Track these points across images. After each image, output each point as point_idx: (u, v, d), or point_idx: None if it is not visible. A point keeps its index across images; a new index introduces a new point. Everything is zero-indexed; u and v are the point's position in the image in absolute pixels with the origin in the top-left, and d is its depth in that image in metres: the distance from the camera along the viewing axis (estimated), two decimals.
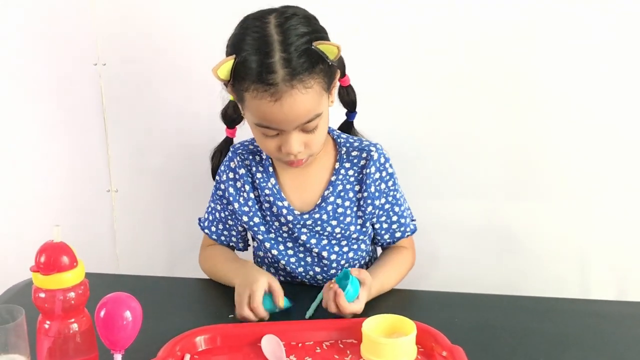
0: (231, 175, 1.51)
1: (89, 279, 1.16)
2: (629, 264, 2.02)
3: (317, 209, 1.47)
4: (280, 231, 1.50)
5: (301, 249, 1.50)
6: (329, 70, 1.33)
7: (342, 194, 1.48)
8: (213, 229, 1.57)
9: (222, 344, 1.21)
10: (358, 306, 1.31)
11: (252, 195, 1.50)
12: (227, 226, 1.56)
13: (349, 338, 1.24)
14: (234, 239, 1.58)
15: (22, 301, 1.18)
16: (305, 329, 1.25)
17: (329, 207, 1.47)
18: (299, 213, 1.47)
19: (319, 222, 1.47)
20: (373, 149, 1.48)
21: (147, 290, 1.44)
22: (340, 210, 1.47)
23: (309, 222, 1.47)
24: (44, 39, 1.98)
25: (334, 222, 1.47)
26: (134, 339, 0.93)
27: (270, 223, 1.50)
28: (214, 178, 1.60)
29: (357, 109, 1.59)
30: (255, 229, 1.51)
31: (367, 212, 1.48)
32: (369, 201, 1.47)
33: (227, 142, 1.59)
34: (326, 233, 1.48)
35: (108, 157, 2.06)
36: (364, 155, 1.48)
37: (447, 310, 1.36)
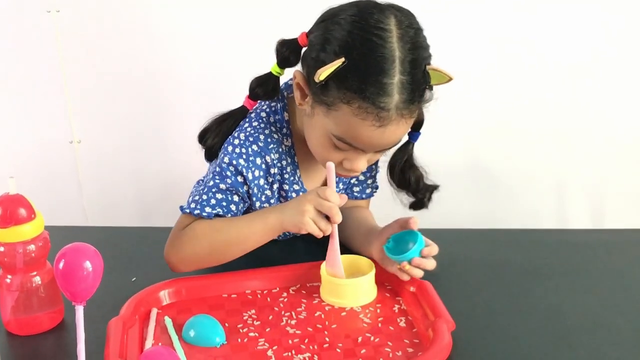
0: (258, 173, 1.29)
1: (54, 232, 1.16)
2: (605, 192, 2.04)
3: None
4: None
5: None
6: (429, 95, 1.19)
7: None
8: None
9: (187, 296, 1.21)
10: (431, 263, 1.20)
11: (276, 192, 1.33)
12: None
13: (314, 281, 1.24)
14: None
15: None
16: (269, 276, 1.25)
17: (340, 185, 1.41)
18: None
19: None
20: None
21: (114, 242, 1.44)
22: (345, 180, 1.41)
23: None
24: None
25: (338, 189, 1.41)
26: (95, 290, 0.92)
27: None
28: (209, 160, 1.36)
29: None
30: None
31: None
32: None
33: (241, 113, 1.33)
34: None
35: (68, 108, 2.04)
36: None
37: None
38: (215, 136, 1.32)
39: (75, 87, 2.02)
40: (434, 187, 1.38)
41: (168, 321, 1.13)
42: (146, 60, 2.01)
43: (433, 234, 1.30)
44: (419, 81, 1.13)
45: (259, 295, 1.22)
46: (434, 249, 1.19)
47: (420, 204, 1.39)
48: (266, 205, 1.32)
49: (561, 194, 2.09)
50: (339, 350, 1.06)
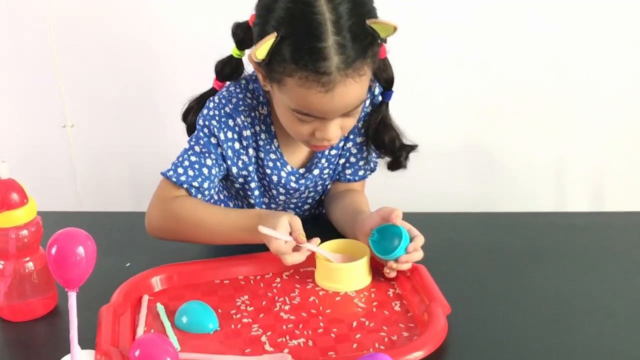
0: (231, 135, 1.33)
1: (47, 217, 1.16)
2: (605, 174, 2.04)
3: (312, 167, 1.41)
4: (277, 199, 1.44)
5: (291, 205, 1.47)
6: (377, 49, 1.20)
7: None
8: (195, 184, 1.31)
9: (179, 282, 1.21)
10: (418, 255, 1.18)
11: (253, 159, 1.37)
12: (211, 186, 1.34)
13: (307, 266, 1.24)
14: (209, 199, 1.39)
15: None
16: (261, 262, 1.25)
17: (323, 160, 1.42)
18: (300, 178, 1.40)
19: (314, 180, 1.43)
20: (378, 90, 1.39)
21: (108, 227, 1.44)
22: (333, 159, 1.43)
23: (309, 184, 1.42)
24: None
25: (326, 172, 1.44)
26: (89, 276, 0.92)
27: (267, 189, 1.42)
28: (189, 134, 1.41)
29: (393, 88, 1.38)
30: (249, 192, 1.43)
31: (345, 148, 1.43)
32: (351, 136, 1.42)
33: (212, 93, 1.40)
34: (319, 187, 1.46)
35: (61, 91, 2.03)
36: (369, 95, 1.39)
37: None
38: (195, 113, 1.38)
39: (68, 70, 2.02)
40: (411, 147, 1.39)
41: (160, 308, 1.13)
42: (141, 42, 2.01)
43: (428, 218, 1.31)
44: (359, 38, 1.14)
45: (252, 281, 1.22)
46: (419, 241, 1.18)
47: (397, 164, 1.41)
48: (244, 172, 1.36)
49: (560, 176, 2.09)
50: (333, 335, 1.06)
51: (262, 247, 1.20)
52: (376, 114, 1.37)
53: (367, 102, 1.39)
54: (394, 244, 1.18)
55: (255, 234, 1.15)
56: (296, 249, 1.16)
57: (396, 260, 1.17)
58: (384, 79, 1.33)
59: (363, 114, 1.38)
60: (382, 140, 1.37)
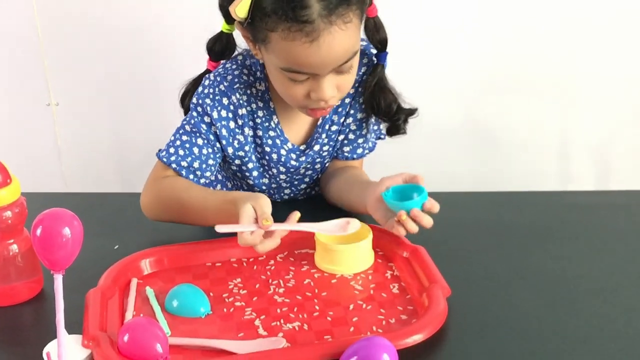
0: (225, 114, 1.34)
1: (32, 198, 1.16)
2: (610, 151, 2.04)
3: (312, 142, 1.41)
4: (278, 179, 1.44)
5: (288, 184, 1.47)
6: None
7: (334, 118, 1.42)
8: (184, 163, 1.32)
9: (169, 265, 1.21)
10: (427, 219, 1.16)
11: (249, 138, 1.37)
12: (204, 167, 1.34)
13: (302, 248, 1.24)
14: (204, 181, 1.36)
15: None
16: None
17: (324, 136, 1.42)
18: (301, 155, 1.40)
19: (313, 156, 1.43)
20: (373, 52, 1.39)
21: (95, 209, 1.45)
22: (333, 136, 1.43)
23: (309, 161, 1.42)
24: None
25: (326, 149, 1.44)
26: (75, 258, 0.92)
27: (267, 168, 1.43)
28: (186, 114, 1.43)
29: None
30: (247, 174, 1.43)
31: (345, 124, 1.43)
32: (352, 112, 1.42)
33: (207, 74, 1.40)
34: (317, 166, 1.46)
35: (45, 68, 2.02)
36: (365, 60, 1.39)
37: None
38: (192, 96, 1.38)
39: (53, 45, 2.01)
40: (410, 111, 1.40)
41: (149, 291, 1.14)
42: (127, 18, 2.00)
43: (431, 197, 1.30)
44: None
45: (244, 264, 1.22)
46: (435, 206, 1.17)
47: (396, 129, 1.41)
48: (241, 153, 1.36)
49: (564, 153, 2.09)
50: (329, 318, 1.06)
51: None
52: (371, 76, 1.37)
53: (363, 69, 1.39)
54: (412, 197, 1.16)
55: (234, 219, 1.14)
56: (268, 234, 1.13)
57: (408, 213, 1.15)
58: (377, 39, 1.33)
59: (359, 77, 1.38)
60: (379, 104, 1.38)
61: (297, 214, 1.15)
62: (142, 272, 1.20)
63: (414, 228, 1.16)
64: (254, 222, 1.12)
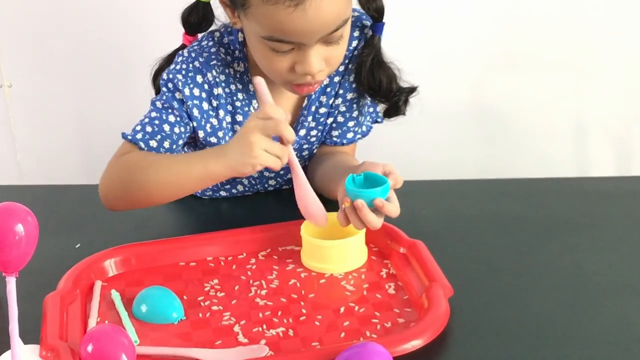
0: (198, 92, 1.34)
1: None
2: (632, 133, 2.05)
3: (298, 126, 1.41)
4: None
5: (272, 173, 1.47)
6: None
7: (322, 99, 1.42)
8: (153, 143, 1.31)
9: (138, 265, 1.21)
10: (394, 207, 1.15)
11: (225, 123, 1.37)
12: (174, 147, 1.33)
13: (287, 245, 1.24)
14: None
15: None
16: (233, 240, 1.24)
17: (310, 119, 1.42)
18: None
19: (299, 142, 1.42)
20: (368, 23, 1.39)
21: (54, 202, 1.45)
22: (321, 119, 1.43)
23: (294, 147, 1.40)
24: None
25: (313, 134, 1.43)
26: (30, 258, 0.92)
27: None
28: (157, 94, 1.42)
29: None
30: None
31: (334, 105, 1.43)
32: (341, 91, 1.42)
33: (182, 49, 1.41)
34: (304, 153, 1.46)
35: None
36: (357, 33, 1.39)
37: (413, 201, 1.36)
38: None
39: (3, 19, 2.00)
40: (410, 90, 1.40)
41: (115, 295, 1.13)
42: None
43: (427, 186, 1.31)
44: None
45: (222, 263, 1.22)
46: (387, 207, 1.13)
47: (396, 109, 1.41)
48: (213, 139, 1.36)
49: (581, 136, 2.10)
50: (317, 323, 1.06)
51: (234, 224, 1.19)
52: (367, 49, 1.37)
53: (355, 42, 1.39)
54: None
55: (222, 154, 1.14)
56: None
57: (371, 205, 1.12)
58: (373, 8, 1.34)
59: (349, 52, 1.38)
60: (377, 82, 1.37)
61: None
62: (106, 274, 1.19)
63: (374, 222, 1.13)
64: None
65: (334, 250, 1.17)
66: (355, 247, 1.19)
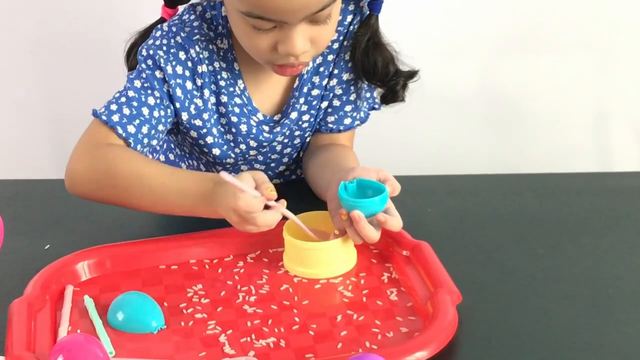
0: (181, 70, 1.34)
1: None
2: None
3: (288, 110, 1.42)
4: (247, 156, 1.44)
5: (262, 164, 1.48)
6: None
7: (314, 79, 1.42)
8: (131, 128, 1.29)
9: (113, 269, 1.21)
10: (397, 221, 1.16)
11: (210, 104, 1.37)
12: (152, 133, 1.32)
13: (278, 246, 1.24)
14: (148, 150, 1.35)
15: None
16: (219, 241, 1.25)
17: (302, 101, 1.42)
18: (275, 125, 1.41)
19: (290, 127, 1.43)
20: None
21: (22, 199, 1.45)
22: (314, 102, 1.43)
23: (285, 132, 1.43)
24: None
25: (306, 119, 1.44)
26: None
27: (232, 145, 1.42)
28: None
29: None
30: (206, 150, 1.41)
31: (328, 87, 1.43)
32: (335, 71, 1.42)
33: (160, 23, 1.40)
34: (296, 141, 1.46)
35: None
36: (352, 7, 1.39)
37: (418, 198, 1.37)
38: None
39: None
40: (410, 74, 1.41)
41: (89, 301, 1.13)
42: None
43: (433, 182, 1.31)
44: None
45: (207, 266, 1.22)
46: (389, 221, 1.14)
47: (394, 95, 1.42)
48: (198, 121, 1.36)
49: (603, 126, 2.10)
50: (312, 332, 1.06)
51: (219, 224, 1.19)
52: (363, 29, 1.38)
53: (350, 17, 1.39)
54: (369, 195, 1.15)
55: (209, 202, 1.14)
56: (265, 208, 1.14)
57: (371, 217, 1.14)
58: None
59: (344, 27, 1.39)
60: (374, 64, 1.38)
61: (284, 202, 1.15)
62: (79, 278, 1.19)
63: (372, 235, 1.14)
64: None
65: (315, 254, 1.17)
66: (339, 251, 1.18)
